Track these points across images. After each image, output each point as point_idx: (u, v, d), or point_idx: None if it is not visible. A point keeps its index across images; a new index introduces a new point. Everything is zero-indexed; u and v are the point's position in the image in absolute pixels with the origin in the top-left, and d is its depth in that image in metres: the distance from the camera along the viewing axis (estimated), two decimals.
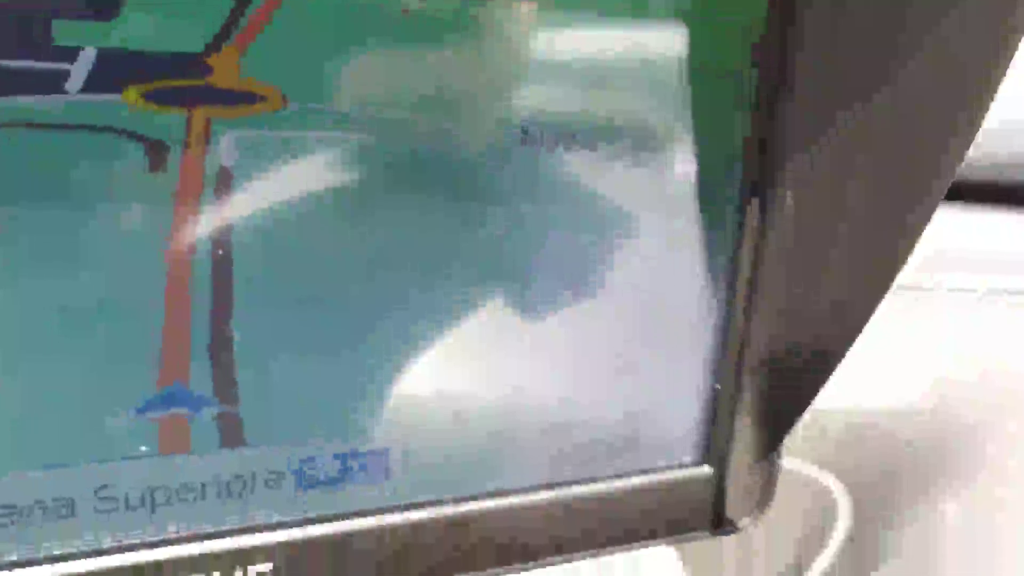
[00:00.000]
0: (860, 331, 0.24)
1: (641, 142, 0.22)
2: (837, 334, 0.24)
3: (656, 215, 0.23)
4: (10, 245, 0.17)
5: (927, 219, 0.22)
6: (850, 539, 0.43)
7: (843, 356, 0.24)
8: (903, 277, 0.23)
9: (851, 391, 0.45)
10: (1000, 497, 0.41)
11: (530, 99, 0.20)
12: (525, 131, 0.21)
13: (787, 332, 0.25)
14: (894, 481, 0.44)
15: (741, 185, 0.24)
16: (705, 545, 0.31)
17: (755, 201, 0.24)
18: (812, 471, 0.45)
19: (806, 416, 0.26)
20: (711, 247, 0.24)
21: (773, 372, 0.25)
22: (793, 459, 0.44)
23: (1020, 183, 0.66)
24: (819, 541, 0.43)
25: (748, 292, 0.25)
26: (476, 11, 0.19)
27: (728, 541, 0.36)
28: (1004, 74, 0.20)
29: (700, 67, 0.22)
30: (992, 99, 0.20)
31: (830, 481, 0.45)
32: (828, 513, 0.44)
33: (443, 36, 0.19)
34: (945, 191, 0.22)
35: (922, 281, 0.50)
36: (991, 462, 0.42)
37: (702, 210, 0.24)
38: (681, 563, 0.38)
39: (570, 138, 0.21)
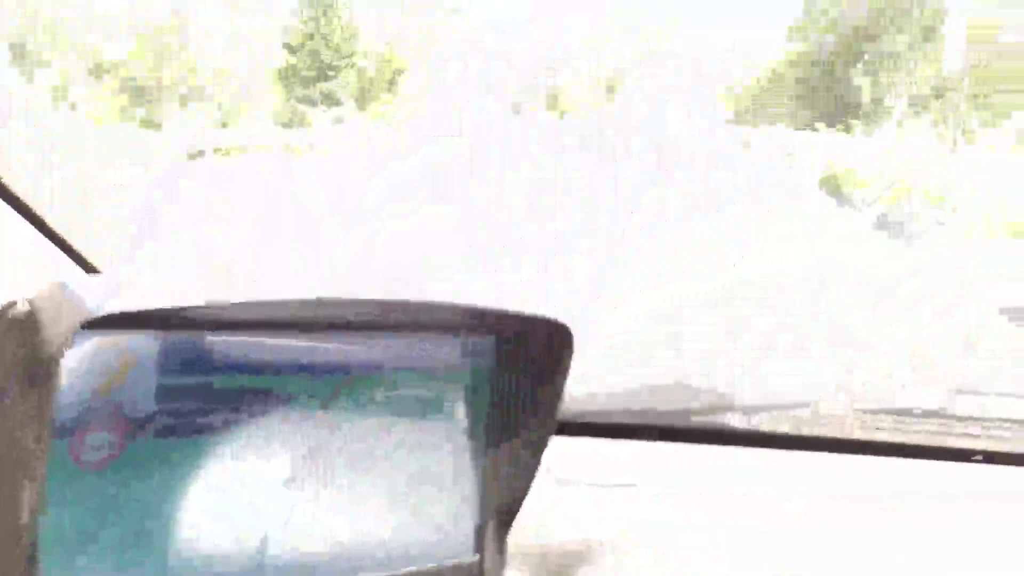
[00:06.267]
0: (527, 490, 0.65)
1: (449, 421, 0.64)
2: (519, 495, 0.66)
3: (442, 442, 0.64)
4: None
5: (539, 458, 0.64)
6: None
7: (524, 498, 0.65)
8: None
9: None
10: None
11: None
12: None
13: (500, 494, 0.66)
14: None
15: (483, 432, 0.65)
16: None
17: (486, 436, 0.65)
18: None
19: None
20: (471, 458, 0.65)
21: (498, 515, 0.66)
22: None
23: None
24: None
25: (487, 479, 0.66)
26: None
27: None
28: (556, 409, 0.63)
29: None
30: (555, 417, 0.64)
31: None
32: None
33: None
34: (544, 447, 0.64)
35: None
36: None
37: (467, 445, 0.65)
38: None
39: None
